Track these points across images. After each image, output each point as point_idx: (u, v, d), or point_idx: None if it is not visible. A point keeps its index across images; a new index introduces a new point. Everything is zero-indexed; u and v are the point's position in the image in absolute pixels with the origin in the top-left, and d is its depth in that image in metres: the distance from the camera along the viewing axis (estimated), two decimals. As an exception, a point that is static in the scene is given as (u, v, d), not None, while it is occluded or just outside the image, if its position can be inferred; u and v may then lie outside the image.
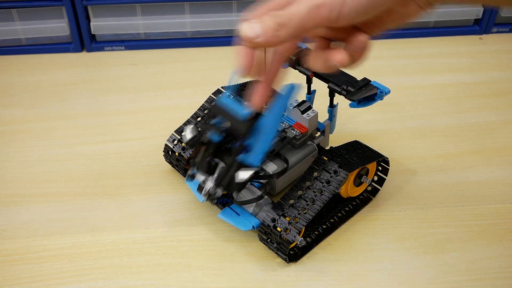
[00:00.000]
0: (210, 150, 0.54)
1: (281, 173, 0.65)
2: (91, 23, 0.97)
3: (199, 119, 0.70)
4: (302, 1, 0.39)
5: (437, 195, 0.70)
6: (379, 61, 0.97)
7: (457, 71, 0.94)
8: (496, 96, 0.88)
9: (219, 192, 0.56)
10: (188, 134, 0.56)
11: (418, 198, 0.69)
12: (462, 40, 1.02)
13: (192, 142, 0.56)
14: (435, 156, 0.76)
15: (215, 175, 0.56)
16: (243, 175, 0.53)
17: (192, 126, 0.56)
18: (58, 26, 0.96)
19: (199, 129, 0.55)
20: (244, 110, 0.51)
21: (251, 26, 0.39)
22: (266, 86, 0.47)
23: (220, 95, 0.53)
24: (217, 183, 0.55)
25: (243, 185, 0.54)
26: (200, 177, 0.58)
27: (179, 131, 0.71)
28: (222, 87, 0.72)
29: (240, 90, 0.70)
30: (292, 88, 0.48)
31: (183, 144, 0.68)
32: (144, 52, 1.00)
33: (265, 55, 0.46)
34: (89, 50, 1.00)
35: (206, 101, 0.71)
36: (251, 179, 0.54)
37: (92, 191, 0.71)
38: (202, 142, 0.56)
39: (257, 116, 0.51)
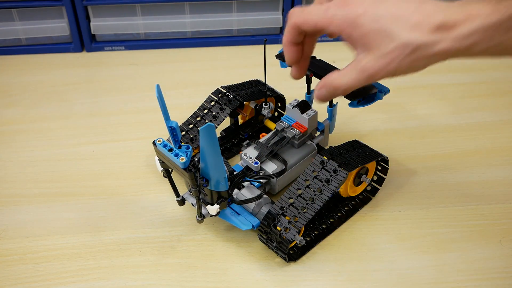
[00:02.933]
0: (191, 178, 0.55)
1: (280, 173, 0.65)
2: (91, 23, 0.97)
3: (190, 126, 0.70)
4: (350, 66, 0.48)
5: (437, 195, 0.70)
6: (379, 61, 0.97)
7: (457, 71, 0.94)
8: (496, 96, 0.88)
9: (214, 209, 0.59)
10: (158, 167, 0.58)
11: (418, 198, 0.69)
12: (462, 40, 1.02)
13: (166, 172, 0.59)
14: (435, 156, 0.76)
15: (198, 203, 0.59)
16: (212, 210, 0.57)
17: (158, 158, 0.58)
18: (58, 26, 0.96)
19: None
20: (179, 160, 0.52)
21: (321, 94, 0.50)
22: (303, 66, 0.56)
23: (157, 142, 0.55)
24: (199, 212, 0.59)
25: (217, 213, 0.58)
26: (190, 199, 0.63)
27: (181, 129, 0.71)
28: (221, 87, 0.72)
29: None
30: (209, 126, 0.48)
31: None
32: (144, 52, 1.00)
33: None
34: (89, 50, 1.00)
35: (205, 101, 0.71)
36: (220, 211, 0.58)
37: (92, 191, 0.71)
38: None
39: (193, 164, 0.53)
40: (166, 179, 0.60)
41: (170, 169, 0.58)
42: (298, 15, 0.49)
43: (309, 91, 0.71)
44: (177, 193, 0.62)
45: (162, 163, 0.57)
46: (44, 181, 0.73)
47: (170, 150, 0.53)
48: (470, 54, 0.44)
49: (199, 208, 0.59)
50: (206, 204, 0.59)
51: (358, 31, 0.45)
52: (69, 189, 0.71)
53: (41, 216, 0.68)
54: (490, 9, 0.41)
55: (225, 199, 0.58)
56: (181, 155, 0.52)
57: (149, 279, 0.60)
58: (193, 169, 0.53)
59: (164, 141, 0.54)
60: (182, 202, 0.62)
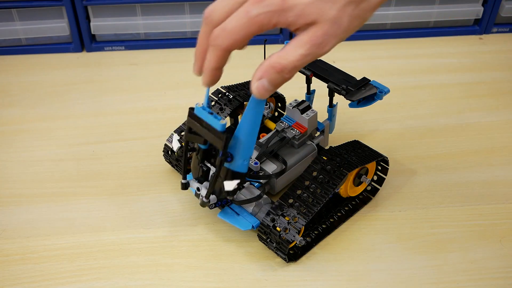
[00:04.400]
0: (200, 157, 0.54)
1: (280, 173, 0.65)
2: (91, 23, 0.97)
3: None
4: (292, 43, 0.44)
5: (437, 195, 0.70)
6: (379, 61, 0.97)
7: (457, 71, 0.94)
8: (496, 96, 0.88)
9: (214, 199, 0.58)
10: (175, 145, 0.56)
11: (418, 198, 0.69)
12: (462, 40, 1.02)
13: (181, 151, 0.57)
14: (435, 156, 0.76)
15: (207, 183, 0.57)
16: (229, 185, 0.55)
17: (177, 137, 0.56)
18: (58, 26, 0.96)
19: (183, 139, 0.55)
20: (218, 122, 0.51)
21: (261, 85, 0.45)
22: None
23: (194, 107, 0.53)
24: (209, 192, 0.57)
25: (233, 192, 0.56)
26: (194, 185, 0.60)
27: (179, 131, 0.71)
28: (221, 87, 0.72)
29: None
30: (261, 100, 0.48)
31: (176, 154, 0.68)
32: (144, 52, 1.00)
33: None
34: (89, 50, 1.00)
35: (205, 101, 0.71)
36: (239, 187, 0.55)
37: (92, 191, 0.71)
38: (192, 148, 0.56)
39: (232, 128, 0.52)
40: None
41: (190, 145, 0.56)
42: (223, 37, 0.44)
43: (309, 91, 0.72)
44: (185, 175, 0.59)
45: (189, 133, 0.54)
46: (44, 181, 0.73)
47: (210, 113, 0.52)
48: None
49: (212, 186, 0.56)
50: (213, 193, 0.57)
51: (293, 13, 0.42)
52: (69, 189, 0.71)
53: (41, 216, 0.68)
54: None
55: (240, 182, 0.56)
56: (220, 118, 0.51)
57: (149, 279, 0.60)
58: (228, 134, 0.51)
59: (202, 105, 0.52)
60: (186, 186, 0.60)
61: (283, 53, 0.44)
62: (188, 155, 0.58)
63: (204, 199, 0.58)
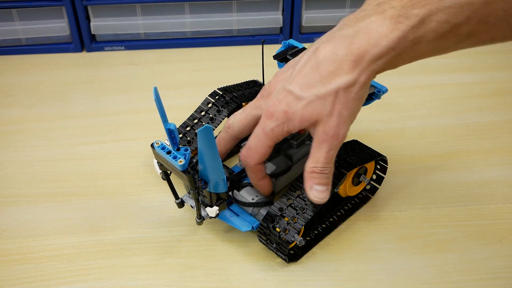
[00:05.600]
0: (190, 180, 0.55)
1: (284, 172, 0.64)
2: (91, 23, 0.97)
3: (187, 128, 0.70)
4: (313, 145, 0.52)
5: (437, 195, 0.70)
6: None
7: (457, 71, 0.94)
8: (496, 96, 0.88)
9: (206, 215, 0.60)
10: (157, 170, 0.58)
11: (418, 198, 0.69)
12: (462, 40, 1.02)
13: (165, 175, 0.59)
14: (435, 156, 0.76)
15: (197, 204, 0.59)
16: (212, 212, 0.58)
17: (157, 161, 0.58)
18: (58, 26, 0.97)
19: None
20: (177, 163, 0.52)
21: (315, 191, 0.53)
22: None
23: (155, 145, 0.55)
24: (198, 214, 0.59)
25: (217, 215, 0.58)
26: (189, 201, 0.63)
27: (179, 131, 0.71)
28: (217, 89, 0.72)
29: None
30: (207, 128, 0.48)
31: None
32: (144, 52, 1.00)
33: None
34: (89, 50, 1.00)
35: (202, 103, 0.71)
36: (219, 212, 0.58)
37: (92, 191, 0.71)
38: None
39: (192, 166, 0.54)
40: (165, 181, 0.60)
41: (169, 172, 0.58)
42: (251, 156, 0.54)
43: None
44: (176, 196, 0.62)
45: (160, 165, 0.57)
46: (44, 181, 0.73)
47: (169, 152, 0.53)
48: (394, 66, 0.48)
49: (198, 210, 0.59)
50: (205, 206, 0.59)
51: (296, 119, 0.49)
52: (69, 189, 0.71)
53: (41, 216, 0.68)
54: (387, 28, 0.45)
55: (224, 201, 0.58)
56: (179, 158, 0.52)
57: (149, 279, 0.60)
58: (191, 171, 0.53)
59: (162, 144, 0.54)
60: (181, 204, 0.62)
61: (312, 158, 0.51)
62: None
63: (197, 219, 0.60)
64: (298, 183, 0.60)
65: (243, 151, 0.55)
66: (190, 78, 0.93)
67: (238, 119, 0.56)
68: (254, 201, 0.61)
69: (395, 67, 0.48)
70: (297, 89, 0.49)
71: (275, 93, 0.52)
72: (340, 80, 0.47)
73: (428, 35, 0.45)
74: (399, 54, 0.46)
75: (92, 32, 0.98)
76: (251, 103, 0.56)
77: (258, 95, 0.55)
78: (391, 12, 0.45)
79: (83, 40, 0.99)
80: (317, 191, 0.52)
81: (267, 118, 0.51)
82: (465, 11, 0.43)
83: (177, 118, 0.74)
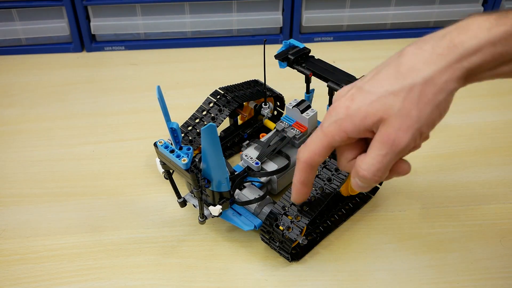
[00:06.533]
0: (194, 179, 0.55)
1: (283, 169, 0.64)
2: (91, 23, 0.97)
3: (189, 128, 0.70)
4: (370, 146, 0.42)
5: (437, 195, 0.70)
6: (379, 61, 0.97)
7: (457, 71, 0.94)
8: (496, 96, 0.88)
9: (209, 214, 0.60)
10: (160, 169, 0.58)
11: (418, 198, 0.69)
12: (462, 40, 1.02)
13: (167, 174, 0.59)
14: (435, 156, 0.76)
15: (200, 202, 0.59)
16: (215, 211, 0.57)
17: (159, 159, 0.58)
18: (58, 26, 0.96)
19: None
20: (181, 162, 0.52)
21: (354, 183, 0.44)
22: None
23: (158, 144, 0.54)
24: (201, 213, 0.59)
25: (220, 214, 0.58)
26: (191, 200, 0.63)
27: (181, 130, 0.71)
28: (219, 88, 0.72)
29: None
30: (211, 126, 0.48)
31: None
32: (144, 52, 1.00)
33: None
34: (89, 50, 1.00)
35: (204, 103, 0.71)
36: (222, 211, 0.58)
37: (92, 191, 0.71)
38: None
39: (195, 165, 0.54)
40: (167, 180, 0.60)
41: (171, 171, 0.58)
42: (303, 151, 0.46)
43: (308, 91, 0.71)
44: (178, 195, 0.62)
45: (163, 164, 0.57)
46: (44, 181, 0.73)
47: (172, 151, 0.53)
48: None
49: (201, 209, 0.59)
50: (208, 205, 0.59)
51: (359, 116, 0.42)
52: (69, 189, 0.71)
53: (41, 216, 0.68)
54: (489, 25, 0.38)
55: (227, 200, 0.58)
56: (182, 156, 0.52)
57: (149, 279, 0.60)
58: (195, 170, 0.53)
59: (165, 142, 0.54)
60: (183, 203, 0.62)
61: (366, 157, 0.42)
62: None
63: (200, 218, 0.60)
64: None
65: (301, 146, 0.47)
66: (190, 78, 0.93)
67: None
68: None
69: (490, 76, 0.41)
70: (367, 85, 0.43)
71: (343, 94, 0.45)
72: (418, 74, 0.40)
73: None
74: (500, 54, 0.39)
75: (92, 32, 0.98)
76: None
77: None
78: (492, 16, 0.39)
79: (83, 40, 0.99)
80: (357, 184, 0.44)
81: (327, 113, 0.44)
82: None
83: (177, 118, 0.73)
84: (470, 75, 0.41)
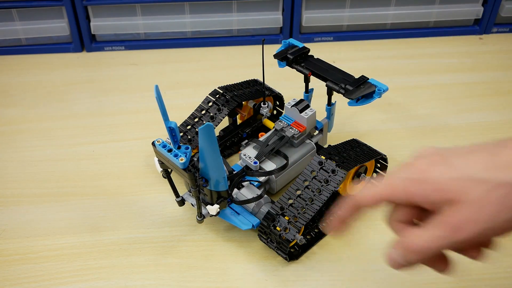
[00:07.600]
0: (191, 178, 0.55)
1: (281, 168, 0.64)
2: (91, 23, 0.97)
3: (188, 127, 0.70)
4: (429, 222, 0.39)
5: (437, 195, 0.70)
6: (379, 61, 0.97)
7: (457, 71, 0.94)
8: (496, 96, 0.88)
9: (206, 213, 0.60)
10: (158, 168, 0.58)
11: (418, 198, 0.69)
12: (462, 40, 1.02)
13: (165, 173, 0.60)
14: (435, 156, 0.76)
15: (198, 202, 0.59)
16: (213, 210, 0.57)
17: (157, 159, 0.58)
18: (58, 26, 0.97)
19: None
20: (178, 161, 0.52)
21: (389, 256, 0.41)
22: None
23: (156, 143, 0.55)
24: (199, 212, 0.59)
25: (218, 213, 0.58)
26: (189, 199, 0.63)
27: (179, 129, 0.71)
28: (218, 88, 0.72)
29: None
30: (208, 126, 0.48)
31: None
32: (144, 52, 1.00)
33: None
34: (89, 50, 1.00)
35: (203, 102, 0.71)
36: (220, 210, 0.58)
37: (92, 191, 0.71)
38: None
39: (193, 164, 0.53)
40: (166, 179, 0.60)
41: (169, 170, 0.59)
42: (359, 195, 0.43)
43: (307, 90, 0.71)
44: (176, 194, 0.62)
45: (161, 163, 0.57)
46: (44, 181, 0.73)
47: (170, 150, 0.53)
48: None
49: (199, 208, 0.59)
50: (206, 204, 0.59)
51: (431, 185, 0.39)
52: (69, 189, 0.71)
53: (41, 216, 0.68)
54: None
55: (224, 199, 0.58)
56: (180, 156, 0.52)
57: (149, 279, 0.60)
58: (192, 169, 0.53)
59: (163, 142, 0.54)
60: (182, 202, 0.62)
61: (418, 230, 0.39)
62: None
63: (198, 217, 0.60)
64: (298, 182, 0.60)
65: (363, 188, 0.44)
66: (190, 78, 0.93)
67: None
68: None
69: None
70: (454, 158, 0.40)
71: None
72: None
73: None
74: None
75: (92, 32, 0.98)
76: None
77: None
78: None
79: (83, 40, 0.99)
80: (391, 256, 0.41)
81: (400, 166, 0.41)
82: None
83: (177, 118, 0.73)
84: None
